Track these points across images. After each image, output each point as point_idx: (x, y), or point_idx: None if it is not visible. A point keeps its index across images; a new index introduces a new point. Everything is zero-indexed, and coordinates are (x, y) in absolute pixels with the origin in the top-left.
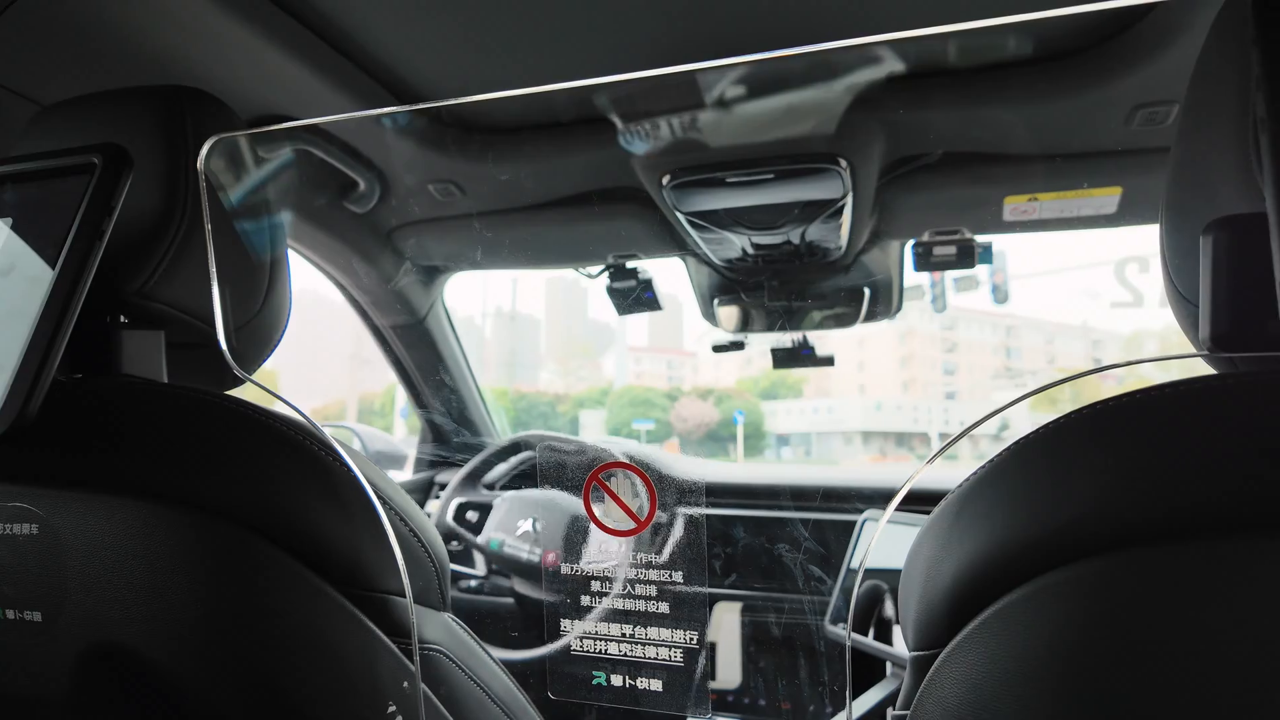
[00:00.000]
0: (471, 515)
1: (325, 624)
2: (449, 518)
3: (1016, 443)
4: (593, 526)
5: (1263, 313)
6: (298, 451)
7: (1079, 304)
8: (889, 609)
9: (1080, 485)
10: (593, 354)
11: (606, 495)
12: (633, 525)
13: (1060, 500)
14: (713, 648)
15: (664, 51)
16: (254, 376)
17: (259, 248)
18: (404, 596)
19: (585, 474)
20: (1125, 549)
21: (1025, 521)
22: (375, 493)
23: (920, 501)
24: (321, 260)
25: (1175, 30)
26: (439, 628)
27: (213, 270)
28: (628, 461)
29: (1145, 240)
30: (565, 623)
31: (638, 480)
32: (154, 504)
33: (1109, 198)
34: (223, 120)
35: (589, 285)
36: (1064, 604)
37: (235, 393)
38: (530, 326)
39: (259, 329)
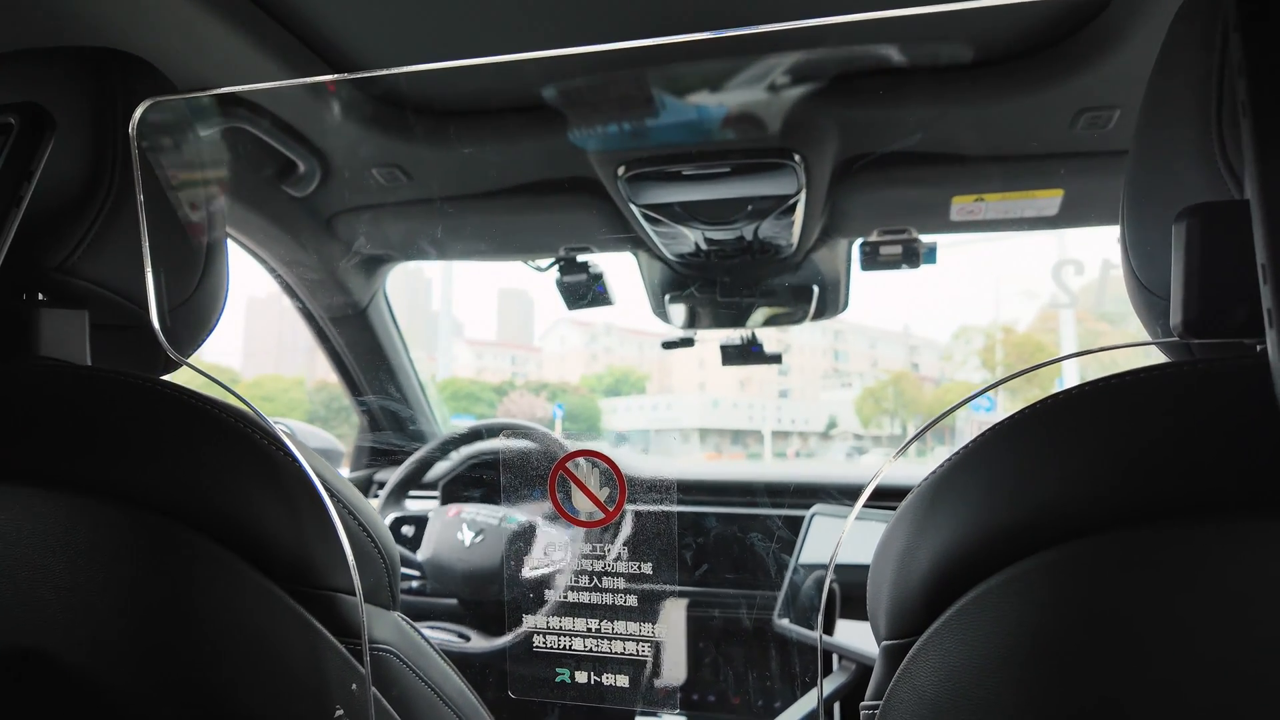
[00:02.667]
0: (407, 529)
1: (267, 623)
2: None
3: (989, 430)
4: (558, 518)
5: (1235, 298)
6: (237, 440)
7: (901, 306)
8: (836, 602)
9: (1054, 470)
10: (427, 346)
11: (573, 485)
12: (601, 515)
13: (1035, 485)
14: (677, 644)
15: (617, 32)
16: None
17: (195, 222)
18: (352, 594)
19: (551, 463)
20: (1100, 533)
21: (1001, 507)
22: (323, 485)
23: (854, 496)
24: (256, 246)
25: (1119, 36)
26: (389, 627)
27: (145, 246)
28: (596, 450)
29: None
30: (528, 619)
31: (606, 471)
32: (74, 495)
33: (1051, 199)
34: (154, 85)
35: (433, 275)
36: (1041, 588)
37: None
38: None
39: (195, 310)
